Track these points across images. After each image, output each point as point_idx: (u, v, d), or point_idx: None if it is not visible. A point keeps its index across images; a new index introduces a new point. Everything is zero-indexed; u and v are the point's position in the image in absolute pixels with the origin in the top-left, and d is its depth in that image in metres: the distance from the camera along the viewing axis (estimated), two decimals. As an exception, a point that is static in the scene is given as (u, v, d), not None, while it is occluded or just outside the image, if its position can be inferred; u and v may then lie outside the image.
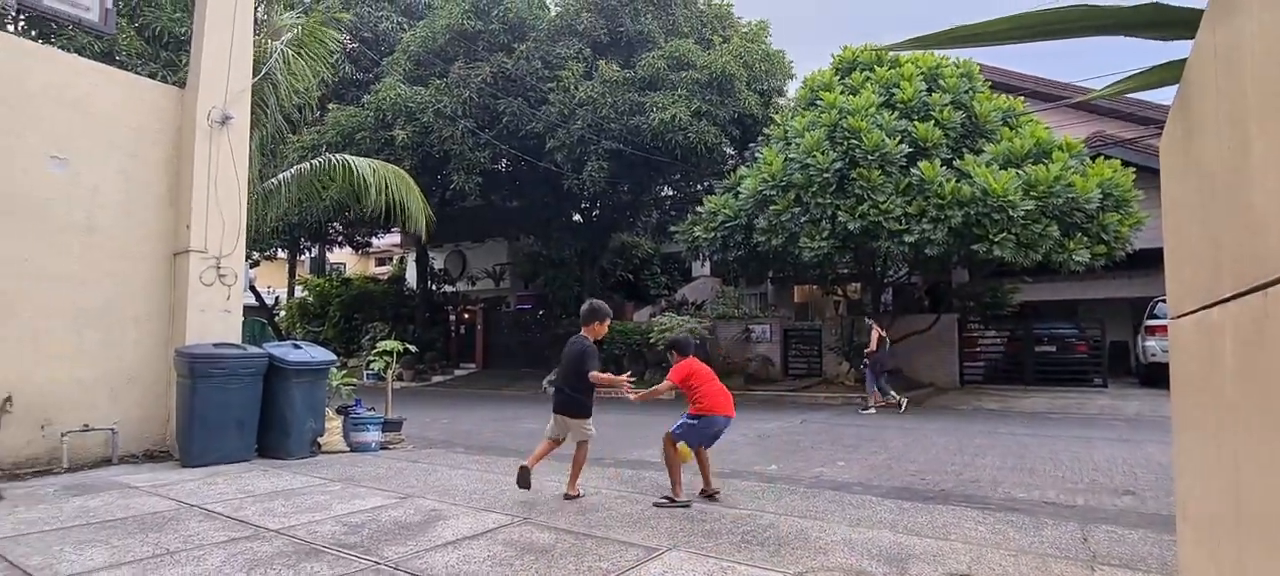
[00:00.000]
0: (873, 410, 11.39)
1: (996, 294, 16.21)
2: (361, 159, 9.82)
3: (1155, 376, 14.11)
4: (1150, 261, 11.26)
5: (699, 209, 14.72)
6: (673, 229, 16.88)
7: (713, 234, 13.93)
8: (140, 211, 6.45)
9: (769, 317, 18.24)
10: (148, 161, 6.51)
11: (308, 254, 31.92)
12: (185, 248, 6.46)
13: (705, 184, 18.35)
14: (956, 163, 11.89)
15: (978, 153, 12.22)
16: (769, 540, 3.66)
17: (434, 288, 26.34)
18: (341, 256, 35.84)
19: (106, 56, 8.55)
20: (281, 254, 27.98)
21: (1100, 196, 11.41)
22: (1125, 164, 12.45)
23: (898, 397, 11.57)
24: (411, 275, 27.60)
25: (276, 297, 29.81)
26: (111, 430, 6.04)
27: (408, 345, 8.60)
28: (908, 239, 11.47)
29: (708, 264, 21.34)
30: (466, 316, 27.54)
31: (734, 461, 6.71)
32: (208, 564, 3.24)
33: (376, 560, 3.29)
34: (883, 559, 3.32)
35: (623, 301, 22.54)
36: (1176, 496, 1.70)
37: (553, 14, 17.12)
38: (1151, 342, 14.54)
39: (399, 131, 15.82)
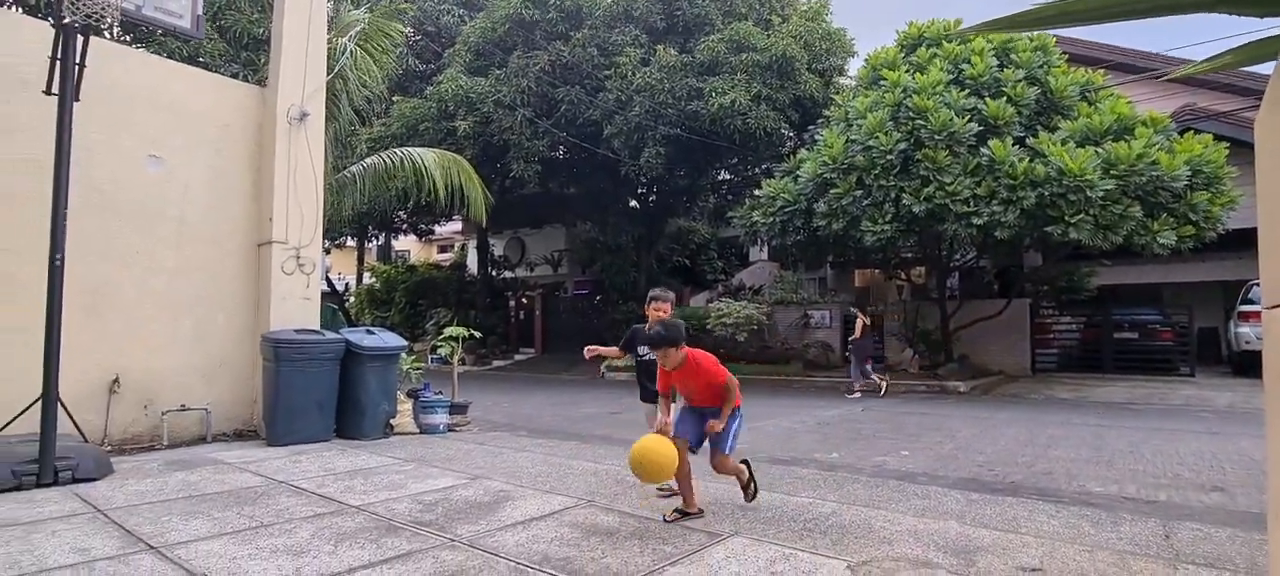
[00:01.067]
0: (859, 394, 12.02)
1: (1072, 278, 15.46)
2: (426, 150, 10.14)
3: (1249, 364, 13.21)
4: (1245, 242, 10.52)
5: (757, 193, 14.56)
6: (730, 214, 16.77)
7: (771, 219, 13.77)
8: (227, 205, 6.86)
9: (828, 303, 17.92)
10: (233, 158, 6.92)
11: (375, 242, 33.15)
12: (268, 239, 6.85)
13: (763, 168, 18.12)
14: (1030, 141, 11.38)
15: (1053, 130, 11.65)
16: (831, 528, 3.66)
17: (494, 274, 26.99)
18: (406, 244, 37.09)
19: (192, 58, 9.09)
20: (350, 242, 29.22)
21: (1189, 174, 10.70)
22: (1218, 138, 11.61)
23: (879, 381, 12.41)
24: (472, 261, 28.35)
25: (346, 284, 31.17)
26: (205, 410, 6.50)
27: (472, 331, 8.87)
28: (976, 221, 11.06)
29: (765, 249, 21.12)
30: (525, 302, 28.12)
31: (793, 449, 6.69)
32: (298, 536, 3.47)
33: (451, 537, 3.46)
34: (950, 550, 3.28)
35: (680, 286, 22.57)
36: (1269, 494, 1.63)
37: (609, 1, 17.15)
38: (1245, 328, 13.60)
39: (460, 122, 16.23)
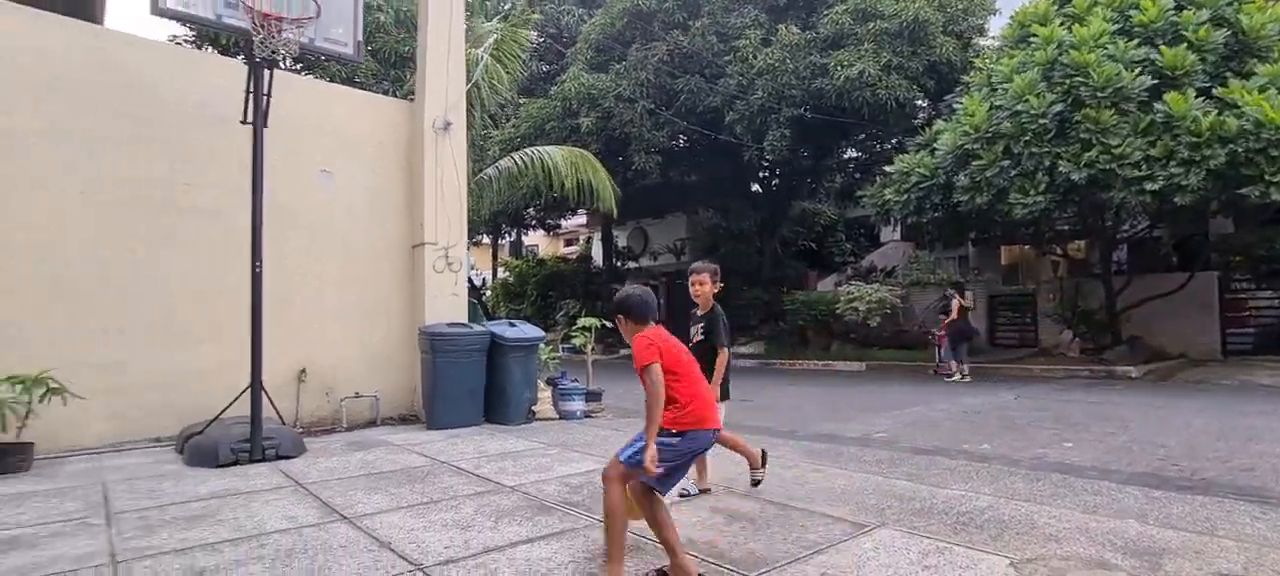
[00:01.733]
0: (957, 377, 11.76)
1: (1275, 245, 13.38)
2: (553, 148, 10.59)
3: None
4: None
5: (888, 169, 13.86)
6: (859, 193, 16.08)
7: (905, 196, 13.05)
8: (385, 211, 7.56)
9: (971, 282, 16.72)
10: (388, 167, 7.61)
11: (507, 238, 35.04)
12: (421, 241, 7.47)
13: (894, 142, 17.20)
14: (1217, 91, 9.95)
15: (1247, 76, 10.11)
16: (989, 523, 3.45)
17: (619, 264, 27.65)
18: (534, 239, 38.89)
19: (350, 79, 10.07)
20: (485, 240, 31.10)
21: None
22: None
23: (955, 370, 12.01)
24: (597, 253, 29.20)
25: (483, 279, 33.20)
26: (375, 397, 7.22)
27: (605, 321, 9.16)
28: (1150, 187, 9.86)
29: (898, 228, 20.03)
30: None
31: (937, 438, 6.35)
32: (463, 511, 3.80)
33: (599, 519, 3.63)
34: (1129, 551, 2.99)
35: (805, 270, 21.97)
36: None
37: (726, -16, 16.95)
38: None
39: (583, 119, 16.74)
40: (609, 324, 10.30)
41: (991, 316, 16.45)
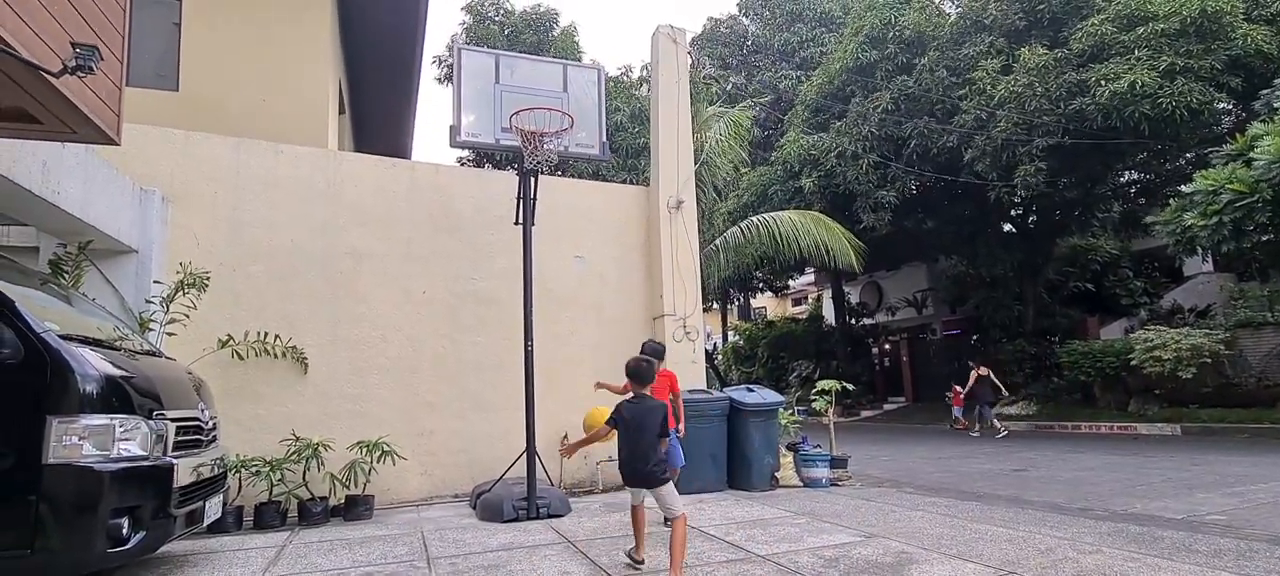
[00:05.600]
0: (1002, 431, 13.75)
1: None
2: (780, 213, 10.71)
3: None
4: None
5: (1185, 189, 11.59)
6: (1149, 220, 13.65)
7: (1214, 218, 10.76)
8: (628, 288, 8.25)
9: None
10: (630, 247, 8.33)
11: (736, 303, 35.55)
12: (660, 312, 7.99)
13: (1188, 158, 14.39)
14: None
15: None
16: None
17: (852, 321, 26.42)
18: (762, 301, 38.93)
19: (594, 174, 11.29)
20: (715, 306, 31.92)
21: None
22: None
23: (984, 427, 14.31)
24: (828, 311, 28.25)
25: (714, 344, 33.92)
26: (626, 461, 7.73)
27: (845, 383, 8.84)
28: None
29: (1208, 258, 16.45)
30: (888, 348, 26.78)
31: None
32: (718, 578, 3.88)
33: (859, 595, 3.47)
34: None
35: (1083, 316, 18.92)
36: None
37: (953, 17, 15.97)
38: None
39: (805, 180, 16.66)
40: (851, 387, 9.79)
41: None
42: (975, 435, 14.48)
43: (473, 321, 7.45)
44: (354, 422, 6.66)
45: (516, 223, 6.52)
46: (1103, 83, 12.58)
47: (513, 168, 7.42)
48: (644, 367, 4.12)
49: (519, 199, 6.33)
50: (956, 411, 16.00)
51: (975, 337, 21.55)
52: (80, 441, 3.32)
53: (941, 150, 15.44)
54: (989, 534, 4.82)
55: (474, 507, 6.43)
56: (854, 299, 26.99)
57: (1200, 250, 13.41)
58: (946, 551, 4.34)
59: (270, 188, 6.83)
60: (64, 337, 3.50)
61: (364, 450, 6.26)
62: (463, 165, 14.35)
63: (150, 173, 6.18)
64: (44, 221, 5.05)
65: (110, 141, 4.18)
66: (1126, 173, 17.42)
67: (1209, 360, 12.62)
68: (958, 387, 16.03)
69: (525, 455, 6.13)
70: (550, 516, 5.91)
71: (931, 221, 18.69)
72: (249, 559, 4.70)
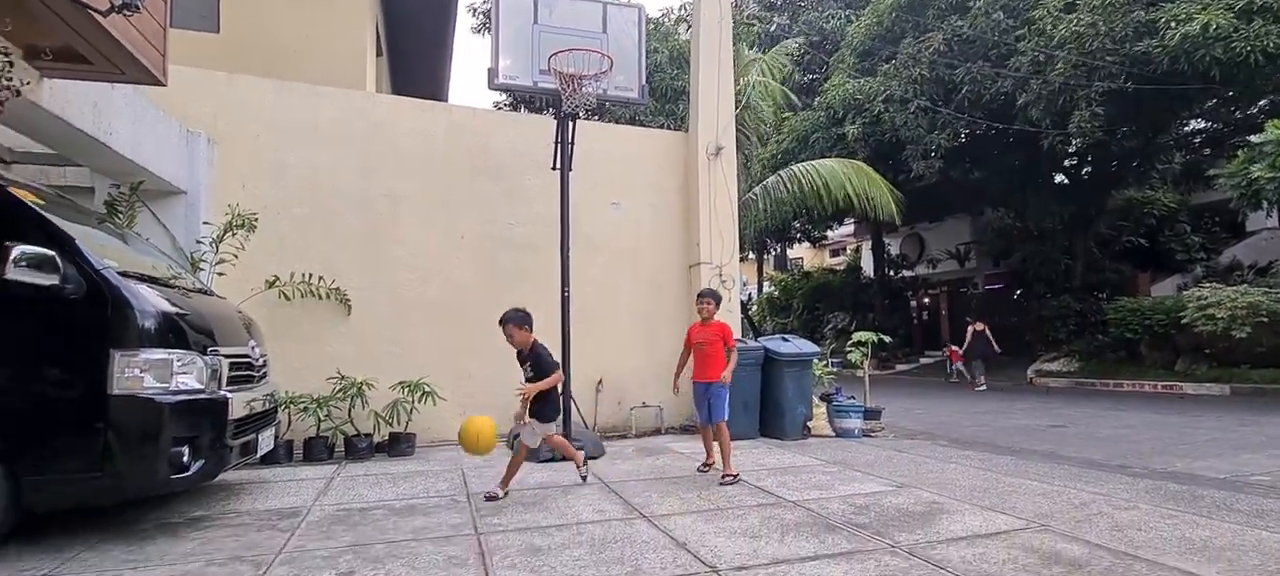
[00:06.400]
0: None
1: None
2: (820, 161, 10.42)
3: None
4: None
5: (1255, 140, 10.94)
6: (1212, 172, 12.94)
7: (1284, 171, 10.15)
8: (664, 235, 8.20)
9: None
10: (667, 194, 8.25)
11: (772, 253, 35.16)
12: (696, 260, 7.94)
13: (1260, 106, 13.51)
14: None
15: None
16: None
17: (891, 274, 25.95)
18: (798, 251, 38.42)
19: (632, 119, 11.13)
20: (751, 255, 31.62)
21: None
22: None
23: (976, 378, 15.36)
24: (866, 263, 27.77)
25: (749, 294, 33.76)
26: (659, 407, 7.83)
27: (881, 336, 8.73)
28: None
29: (1274, 212, 15.62)
30: (927, 301, 26.30)
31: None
32: (749, 521, 3.95)
33: (890, 543, 3.49)
34: None
35: (1134, 272, 18.24)
36: None
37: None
38: None
39: (849, 127, 16.15)
40: (887, 339, 9.68)
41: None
42: (981, 389, 14.92)
43: (510, 266, 7.51)
44: (395, 363, 6.84)
45: (553, 168, 6.50)
46: (1173, 24, 11.78)
47: (550, 112, 7.35)
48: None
49: (556, 143, 6.29)
50: (957, 366, 16.90)
51: (1018, 292, 21.00)
52: (141, 374, 3.49)
53: (995, 96, 14.76)
54: (1022, 487, 4.78)
55: (511, 448, 6.62)
56: (894, 250, 26.44)
57: (1266, 204, 12.71)
58: (979, 503, 4.32)
59: (311, 130, 6.90)
60: (123, 275, 3.64)
61: (406, 390, 6.45)
62: (499, 110, 14.27)
63: (195, 115, 6.29)
64: (97, 162, 5.21)
65: (156, 81, 4.26)
66: (1191, 121, 16.47)
67: (1266, 319, 12.09)
68: (954, 348, 17.32)
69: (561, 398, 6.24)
70: (586, 458, 6.04)
71: (979, 171, 18.03)
72: (300, 488, 4.95)
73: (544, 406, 4.67)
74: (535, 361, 4.68)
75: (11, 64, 3.07)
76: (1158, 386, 13.46)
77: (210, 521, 4.03)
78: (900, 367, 21.87)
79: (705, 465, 5.42)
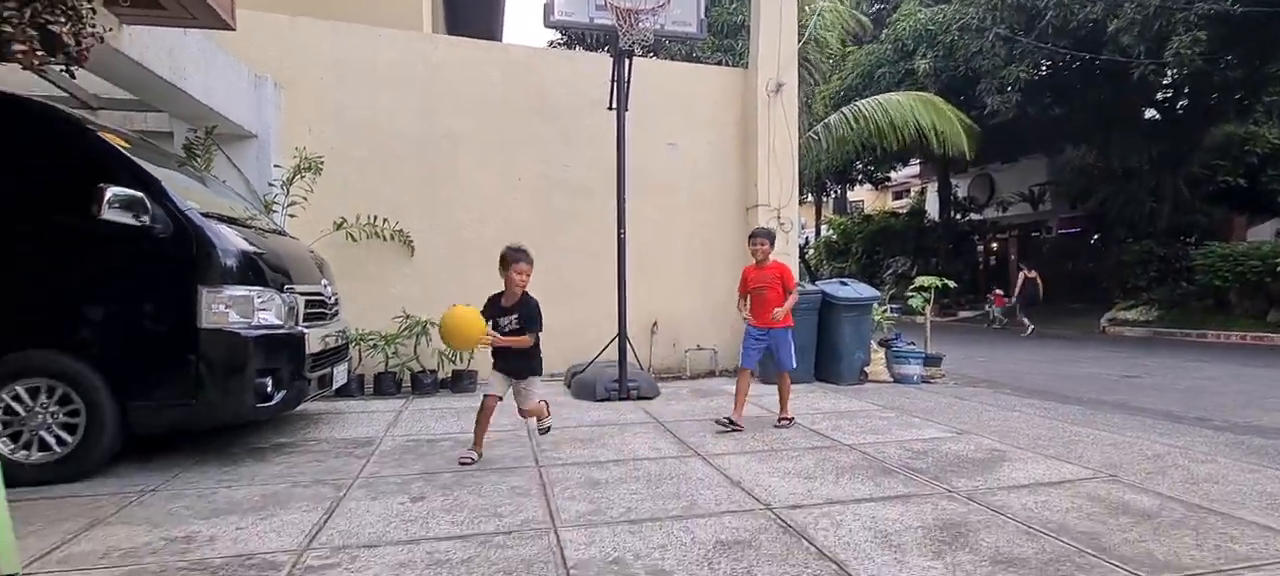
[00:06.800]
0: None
1: None
2: (888, 95, 9.93)
3: None
4: None
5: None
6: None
7: None
8: (721, 175, 8.06)
9: None
10: (723, 133, 8.07)
11: (832, 195, 34.17)
12: (754, 202, 7.80)
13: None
14: None
15: None
16: None
17: (957, 217, 24.89)
18: (859, 194, 37.18)
19: (688, 56, 10.83)
20: (809, 198, 30.81)
21: None
22: None
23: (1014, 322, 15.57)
24: (931, 205, 26.70)
25: (806, 238, 33.06)
26: (713, 350, 7.86)
27: (947, 281, 8.45)
28: None
29: (1400, 149, 14.16)
30: (995, 246, 25.21)
31: None
32: (804, 463, 3.97)
33: (948, 488, 3.45)
34: None
35: (1227, 215, 16.97)
36: None
37: None
38: None
39: (920, 61, 15.31)
40: (951, 284, 9.37)
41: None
42: (1027, 335, 15.04)
43: (566, 207, 7.56)
44: (456, 303, 7.04)
45: (610, 108, 6.43)
46: (1294, -64, 10.56)
47: (606, 49, 7.21)
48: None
49: (613, 81, 6.20)
50: (997, 311, 17.16)
51: (1096, 236, 19.86)
52: (226, 309, 3.71)
53: (1082, 23, 13.66)
54: (1090, 437, 4.63)
55: (568, 387, 6.80)
56: (961, 193, 25.29)
57: (1392, 139, 11.50)
58: (1043, 451, 4.22)
59: (371, 72, 7.00)
60: (205, 215, 3.84)
61: (466, 328, 6.66)
62: (554, 48, 14.09)
63: (261, 59, 6.46)
64: (173, 106, 5.45)
65: (226, 26, 4.38)
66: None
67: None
68: (999, 292, 17.79)
69: (617, 339, 6.34)
70: (640, 398, 6.16)
71: (1060, 107, 16.87)
72: (372, 420, 5.23)
73: (532, 361, 4.14)
74: (526, 314, 4.05)
75: (94, 10, 3.20)
76: (1246, 337, 12.66)
77: (293, 447, 4.32)
78: (963, 314, 21.19)
79: (728, 421, 4.84)
